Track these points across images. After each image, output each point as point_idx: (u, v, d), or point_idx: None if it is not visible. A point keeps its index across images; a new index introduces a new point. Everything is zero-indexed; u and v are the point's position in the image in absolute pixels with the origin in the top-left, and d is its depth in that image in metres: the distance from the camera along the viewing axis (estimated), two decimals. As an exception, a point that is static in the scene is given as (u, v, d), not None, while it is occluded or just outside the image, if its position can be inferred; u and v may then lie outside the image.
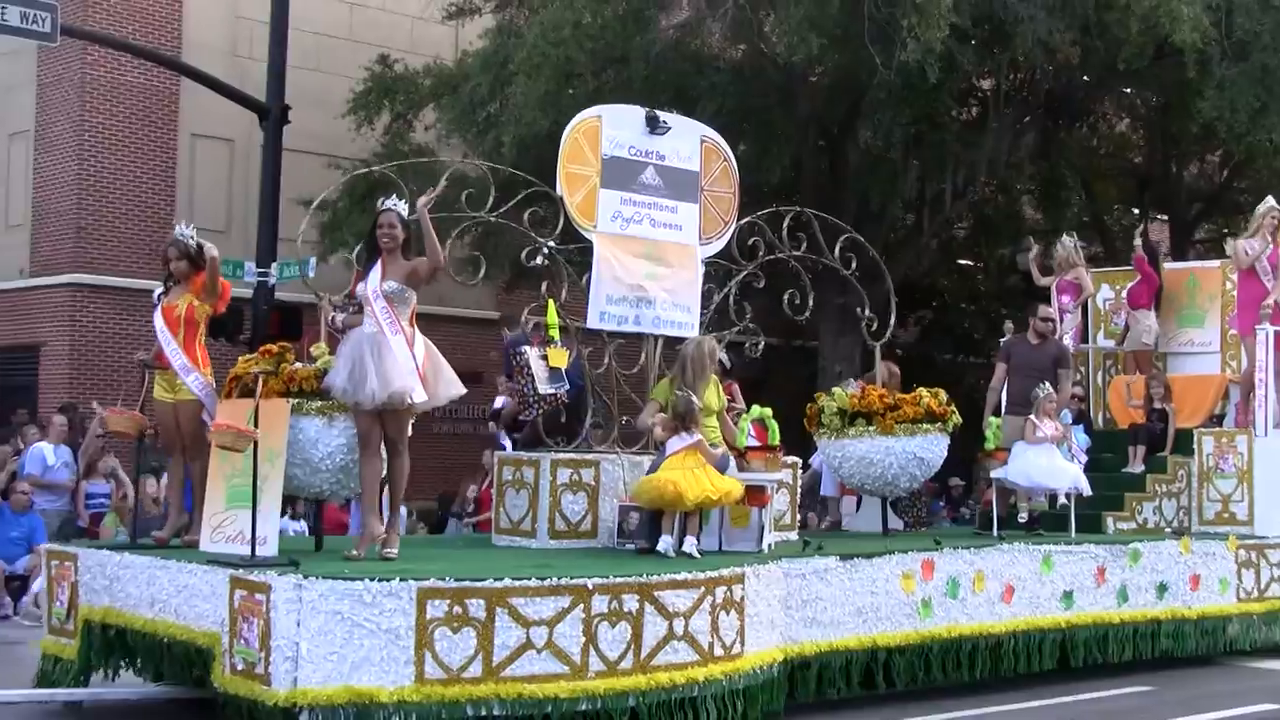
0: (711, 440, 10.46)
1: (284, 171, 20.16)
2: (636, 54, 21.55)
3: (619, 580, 9.11)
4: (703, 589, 9.51)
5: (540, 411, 11.07)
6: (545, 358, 10.97)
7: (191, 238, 10.31)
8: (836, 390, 13.02)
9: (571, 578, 8.94)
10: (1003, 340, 15.60)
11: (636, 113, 11.95)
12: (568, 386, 11.04)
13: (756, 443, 11.98)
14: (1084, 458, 14.72)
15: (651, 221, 11.88)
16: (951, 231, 28.50)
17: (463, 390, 9.88)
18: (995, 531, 13.11)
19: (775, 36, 22.09)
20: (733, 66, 23.05)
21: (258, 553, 9.01)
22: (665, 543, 10.18)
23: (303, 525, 16.19)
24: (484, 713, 8.56)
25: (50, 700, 10.16)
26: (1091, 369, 17.39)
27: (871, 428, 12.72)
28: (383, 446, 9.77)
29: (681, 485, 10.03)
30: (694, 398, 10.39)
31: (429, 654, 8.46)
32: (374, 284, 9.52)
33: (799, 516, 12.55)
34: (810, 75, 23.32)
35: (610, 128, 11.67)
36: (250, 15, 25.04)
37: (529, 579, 8.81)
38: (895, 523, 13.72)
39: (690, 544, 10.19)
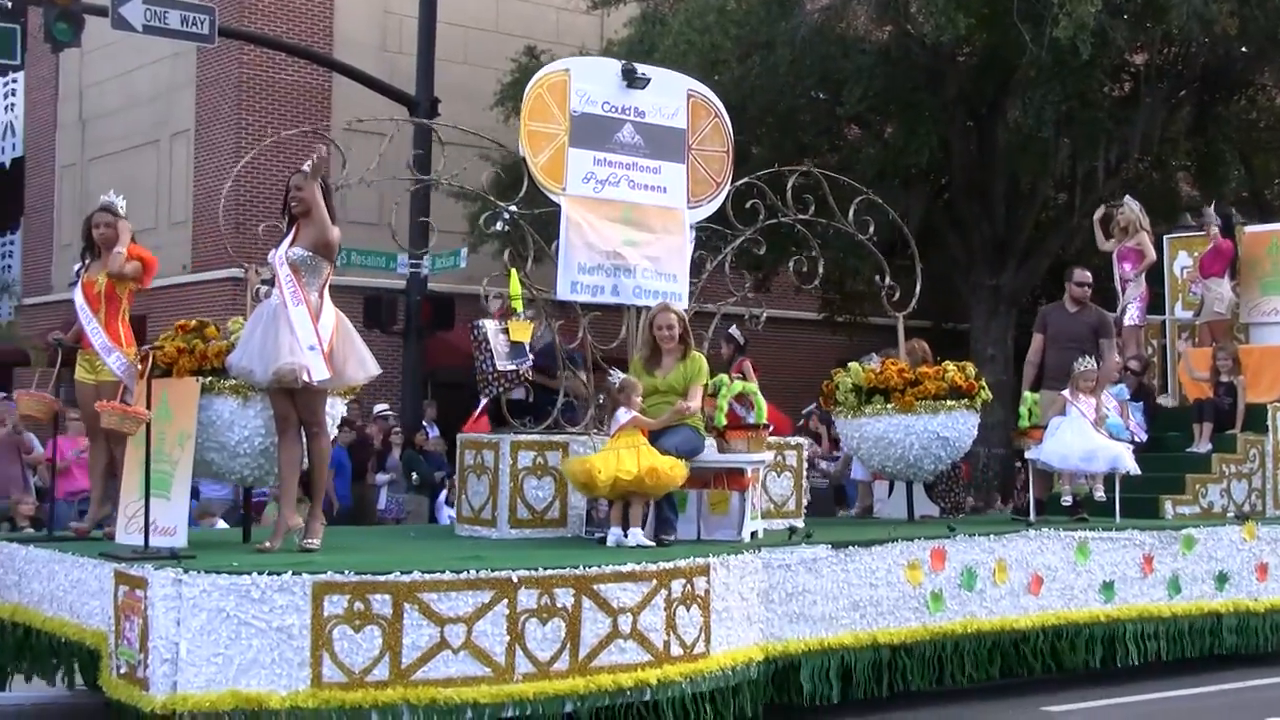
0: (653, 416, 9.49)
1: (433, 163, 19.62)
2: (781, 39, 21.61)
3: (550, 573, 8.23)
4: (654, 582, 8.63)
5: (501, 390, 10.19)
6: (506, 331, 10.07)
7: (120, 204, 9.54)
8: (853, 365, 11.96)
9: (493, 570, 8.04)
10: (1040, 309, 14.35)
11: (610, 65, 11.05)
12: (529, 362, 10.15)
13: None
14: (1143, 436, 13.50)
15: (630, 183, 10.94)
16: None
17: (375, 371, 9.07)
18: (1032, 516, 11.97)
19: (922, 17, 21.74)
20: (879, 49, 22.77)
21: (168, 544, 8.29)
22: (613, 535, 9.30)
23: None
24: (392, 719, 7.68)
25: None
26: (1169, 341, 16.04)
27: (890, 405, 11.66)
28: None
29: (594, 466, 9.19)
30: (629, 376, 9.64)
31: (327, 655, 7.68)
32: (281, 251, 8.75)
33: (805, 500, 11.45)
34: (958, 55, 23.20)
35: (580, 81, 10.76)
36: (399, 11, 25.47)
37: (442, 572, 7.98)
38: (929, 508, 12.57)
39: (635, 535, 9.26)
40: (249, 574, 7.59)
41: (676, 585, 8.73)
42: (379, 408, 19.80)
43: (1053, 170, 23.16)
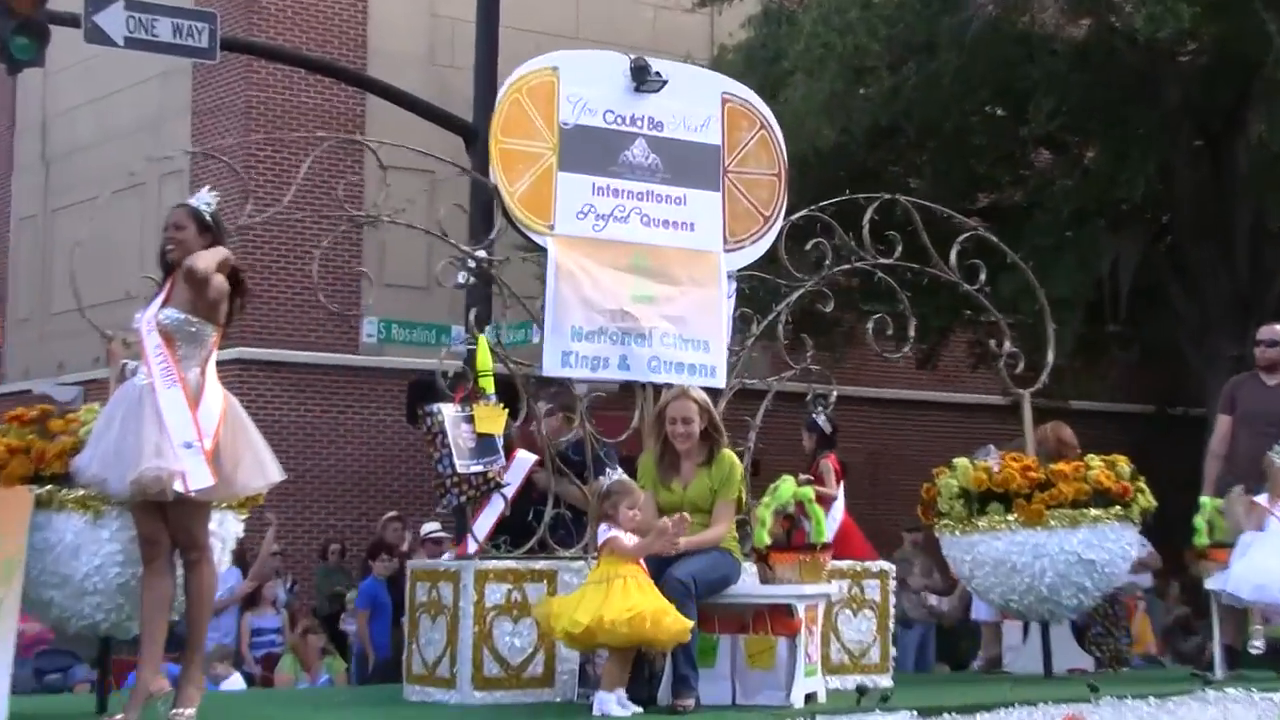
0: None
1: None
2: (946, 39, 17.85)
3: None
4: None
5: (464, 499, 7.56)
6: (470, 420, 7.48)
7: None
8: (960, 462, 9.20)
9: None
10: (1229, 381, 11.30)
11: (614, 61, 8.41)
12: (501, 462, 7.54)
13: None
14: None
15: (644, 218, 8.28)
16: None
17: (276, 477, 6.75)
18: (1217, 672, 9.31)
19: (1130, 7, 17.18)
20: (1074, 49, 18.59)
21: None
22: (600, 701, 6.86)
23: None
24: None
25: None
26: None
27: (1011, 516, 8.89)
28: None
29: (552, 609, 7.02)
30: (623, 478, 7.26)
31: None
32: (150, 313, 6.57)
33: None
34: (1180, 55, 18.65)
35: (573, 84, 8.14)
36: (450, 13, 21.72)
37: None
38: (1082, 660, 10.00)
39: (602, 701, 6.92)
40: None
41: None
42: (427, 527, 15.83)
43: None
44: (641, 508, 7.07)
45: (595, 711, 6.82)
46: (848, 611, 8.56)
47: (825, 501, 10.51)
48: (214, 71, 20.65)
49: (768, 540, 7.51)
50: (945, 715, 7.45)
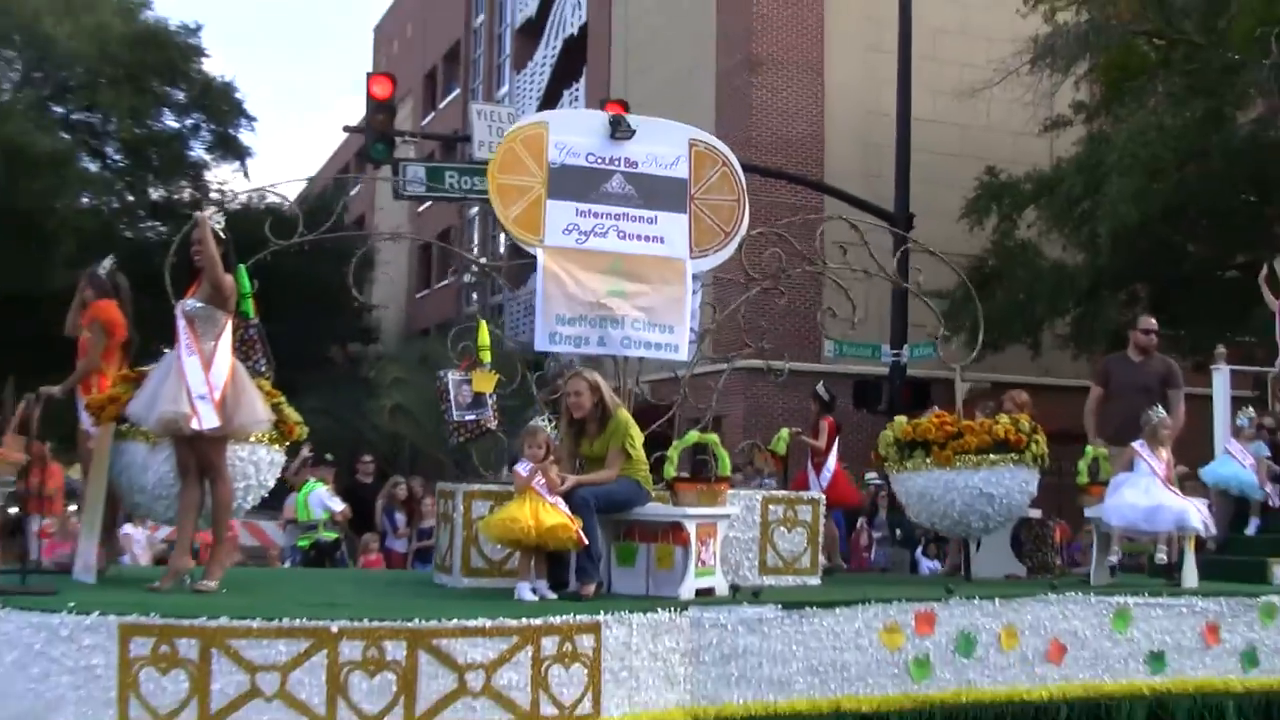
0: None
1: (910, 269, 19.98)
2: (1215, 149, 22.04)
3: (376, 625, 7.31)
4: (515, 639, 7.53)
5: (462, 440, 9.20)
6: (469, 382, 9.09)
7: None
8: (897, 419, 10.37)
9: (309, 619, 7.12)
10: (1104, 359, 12.14)
11: (594, 117, 9.96)
12: (489, 413, 9.13)
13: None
14: (1277, 501, 11.19)
15: (620, 233, 9.88)
16: None
17: (265, 421, 8.44)
18: (1095, 579, 10.28)
19: None
20: None
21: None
22: (517, 589, 8.35)
23: None
24: None
25: None
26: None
27: (929, 459, 9.98)
28: None
29: (486, 520, 8.49)
30: (536, 422, 8.55)
31: (134, 696, 7.08)
32: (183, 303, 8.14)
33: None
34: None
35: (560, 134, 9.81)
36: (878, 142, 26.88)
37: (252, 619, 7.09)
38: (1016, 567, 10.92)
39: (541, 587, 8.36)
40: (59, 613, 7.06)
41: (549, 642, 7.69)
42: (868, 475, 19.70)
43: None
44: (544, 445, 8.42)
45: (515, 597, 8.27)
46: (783, 529, 9.80)
47: (818, 451, 11.76)
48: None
49: (673, 473, 8.81)
50: (807, 608, 8.60)
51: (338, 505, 16.19)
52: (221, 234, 8.26)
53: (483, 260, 8.77)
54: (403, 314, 46.30)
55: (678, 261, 9.93)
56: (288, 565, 16.09)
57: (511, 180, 9.63)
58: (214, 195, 38.04)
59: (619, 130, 9.74)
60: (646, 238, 9.89)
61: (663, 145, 9.96)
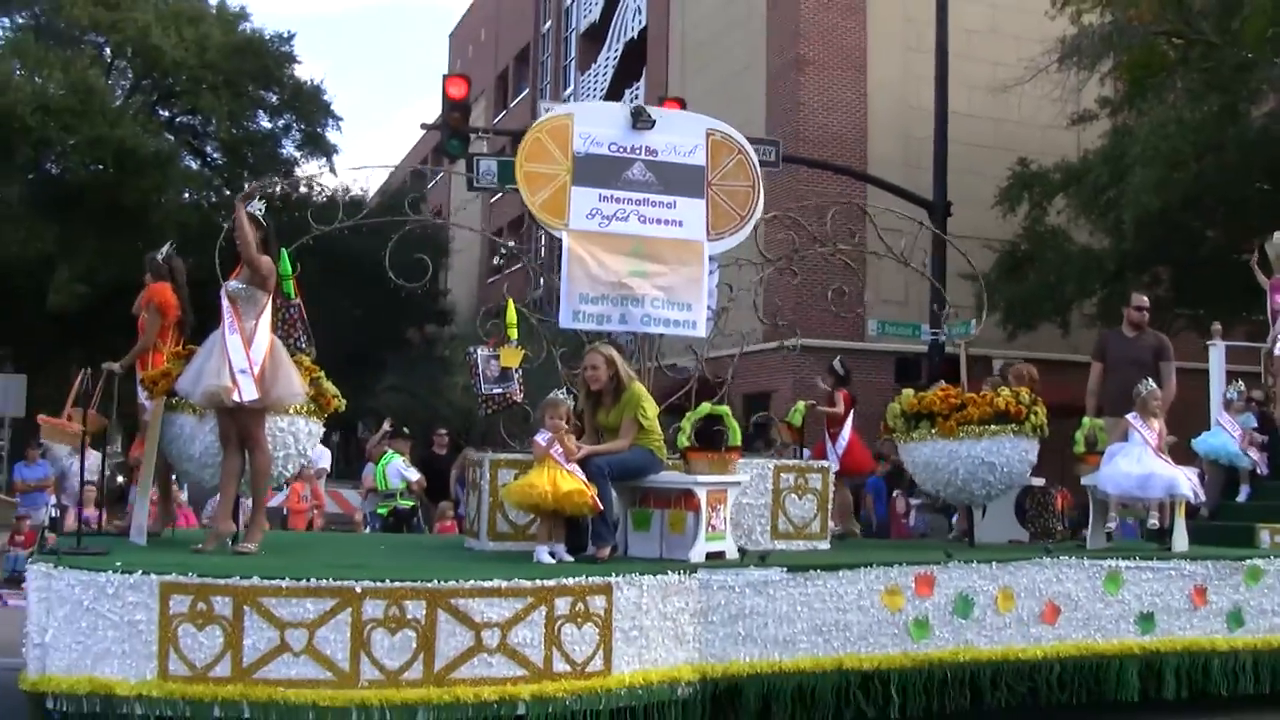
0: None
1: (948, 253, 20.15)
2: (1231, 141, 22.43)
3: (397, 585, 7.49)
4: (530, 599, 7.66)
5: (490, 412, 9.12)
6: (496, 357, 9.00)
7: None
8: (905, 391, 10.18)
9: (335, 579, 7.06)
10: (1099, 335, 11.86)
11: (617, 110, 9.92)
12: (515, 387, 9.03)
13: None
14: (1265, 469, 10.89)
15: (641, 218, 10.04)
16: None
17: (301, 394, 8.70)
18: (1089, 544, 10.33)
19: None
20: None
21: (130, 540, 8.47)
22: (536, 552, 8.48)
23: None
24: (234, 714, 7.09)
25: None
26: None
27: (933, 430, 9.82)
28: None
29: (509, 487, 8.55)
30: (556, 394, 8.57)
31: (173, 650, 7.44)
32: (226, 284, 8.16)
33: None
34: None
35: (585, 125, 9.88)
36: (918, 135, 27.03)
37: (281, 579, 7.12)
38: (1019, 533, 10.91)
39: (559, 550, 8.42)
40: (105, 571, 7.36)
41: (562, 602, 7.87)
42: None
43: None
44: (564, 416, 8.47)
45: (534, 560, 8.39)
46: (794, 495, 9.73)
47: (835, 422, 11.55)
48: (772, 175, 25.49)
49: (686, 442, 8.70)
50: (811, 570, 8.53)
51: (413, 475, 16.48)
52: (262, 220, 8.23)
53: (512, 244, 8.75)
54: (473, 298, 46.41)
55: (695, 244, 10.00)
56: (368, 531, 16.18)
57: (538, 168, 9.77)
58: (302, 189, 38.22)
59: (640, 121, 9.76)
60: (666, 221, 9.98)
61: (681, 135, 9.99)
